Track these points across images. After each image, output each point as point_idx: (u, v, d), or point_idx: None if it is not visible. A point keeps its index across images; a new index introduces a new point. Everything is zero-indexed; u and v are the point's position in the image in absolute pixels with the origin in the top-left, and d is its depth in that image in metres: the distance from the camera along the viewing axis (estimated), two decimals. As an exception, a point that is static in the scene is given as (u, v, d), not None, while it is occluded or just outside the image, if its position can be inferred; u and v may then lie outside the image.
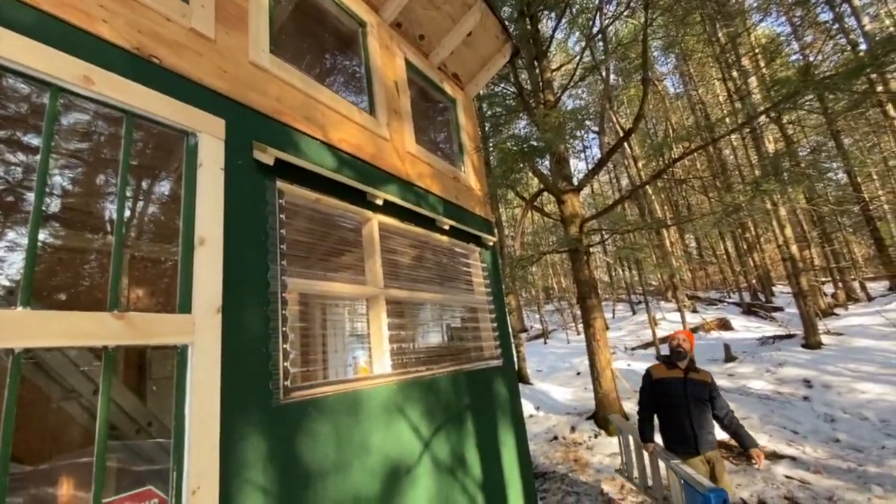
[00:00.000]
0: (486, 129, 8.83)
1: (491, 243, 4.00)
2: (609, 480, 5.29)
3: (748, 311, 13.28)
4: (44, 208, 1.62)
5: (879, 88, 9.49)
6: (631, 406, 7.10)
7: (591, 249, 7.15)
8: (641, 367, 9.96)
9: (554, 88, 7.96)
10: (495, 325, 3.76)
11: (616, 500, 4.80)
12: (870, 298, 12.38)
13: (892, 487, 4.14)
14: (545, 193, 7.46)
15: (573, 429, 7.07)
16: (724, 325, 11.85)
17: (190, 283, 1.63)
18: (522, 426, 3.79)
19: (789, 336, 9.93)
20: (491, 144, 7.32)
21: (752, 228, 13.70)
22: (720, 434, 4.16)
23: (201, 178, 1.77)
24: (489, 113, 8.82)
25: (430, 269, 3.22)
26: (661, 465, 3.42)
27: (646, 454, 3.60)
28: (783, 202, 9.21)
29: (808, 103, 4.79)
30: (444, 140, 4.31)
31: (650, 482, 3.63)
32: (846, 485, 4.32)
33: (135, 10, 1.74)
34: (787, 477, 4.53)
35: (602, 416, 6.81)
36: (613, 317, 18.43)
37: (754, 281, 15.63)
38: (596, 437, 6.64)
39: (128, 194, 2.27)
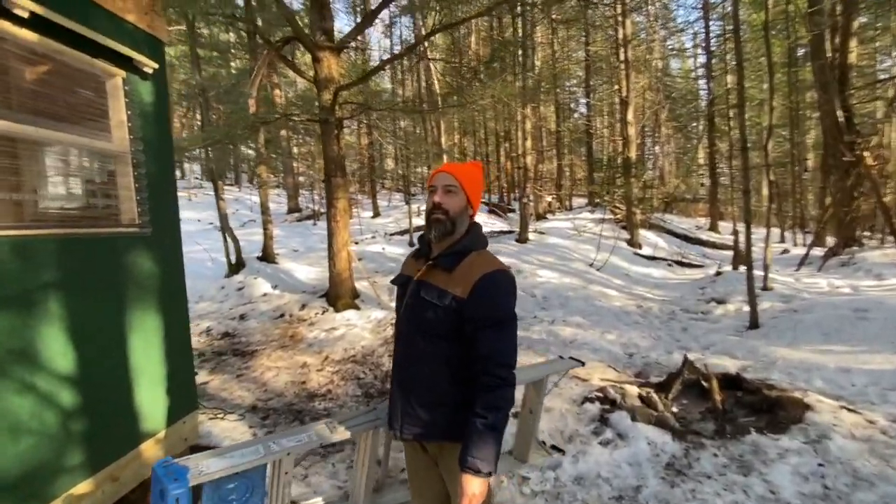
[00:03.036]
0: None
1: (150, 70, 2.88)
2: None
3: (491, 210, 15.57)
4: None
5: None
6: (362, 286, 7.41)
7: (343, 123, 6.53)
8: (395, 251, 10.60)
9: None
10: (140, 183, 2.85)
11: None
12: (571, 208, 16.11)
13: (525, 347, 5.42)
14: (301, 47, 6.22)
15: (303, 306, 7.03)
16: (469, 219, 13.59)
17: None
18: (179, 306, 3.21)
19: (510, 232, 12.06)
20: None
21: (516, 138, 15.23)
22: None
23: None
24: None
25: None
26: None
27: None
28: (531, 117, 10.37)
29: None
30: None
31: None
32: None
33: None
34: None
35: (333, 294, 6.91)
36: (388, 204, 19.13)
37: (505, 185, 18.28)
38: (323, 313, 6.75)
39: None
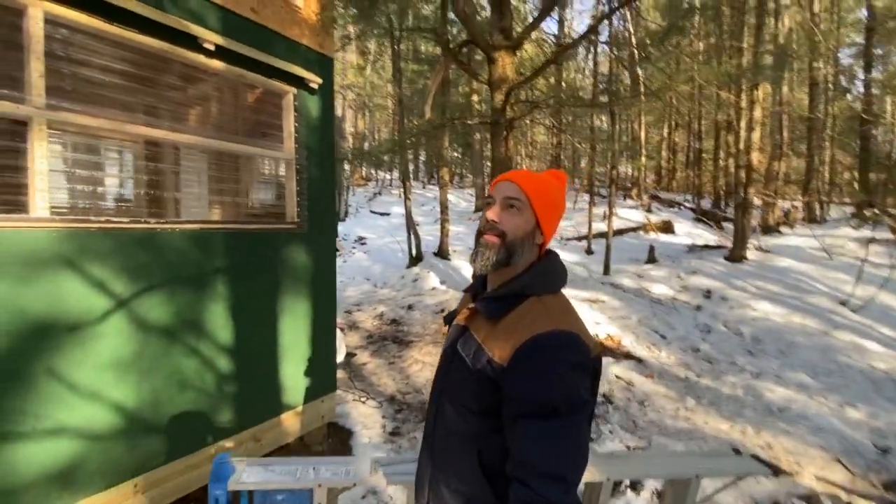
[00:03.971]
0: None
1: (316, 86, 3.23)
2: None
3: (698, 218, 12.93)
4: None
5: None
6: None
7: (514, 124, 6.29)
8: (567, 259, 9.90)
9: None
10: (302, 186, 3.22)
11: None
12: (822, 221, 12.01)
13: (706, 402, 4.21)
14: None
15: (463, 305, 7.12)
16: (667, 228, 11.57)
17: None
18: (328, 296, 3.54)
19: (719, 247, 9.74)
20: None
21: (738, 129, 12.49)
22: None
23: None
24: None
25: (178, 102, 2.54)
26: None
27: None
28: (761, 98, 8.09)
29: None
30: None
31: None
32: (667, 392, 4.40)
33: None
34: (617, 377, 4.60)
35: (491, 298, 6.79)
36: (574, 206, 18.09)
37: (723, 188, 14.98)
38: (479, 315, 6.70)
39: None
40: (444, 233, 9.43)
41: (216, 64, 2.62)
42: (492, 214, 1.08)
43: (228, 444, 2.79)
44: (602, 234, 9.61)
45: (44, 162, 1.97)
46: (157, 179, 2.67)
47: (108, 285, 2.20)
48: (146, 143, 3.24)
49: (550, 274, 1.12)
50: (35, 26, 1.93)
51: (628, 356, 5.20)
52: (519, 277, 1.09)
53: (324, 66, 3.39)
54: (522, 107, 6.13)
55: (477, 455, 1.05)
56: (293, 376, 3.25)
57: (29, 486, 1.93)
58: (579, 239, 11.63)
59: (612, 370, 4.70)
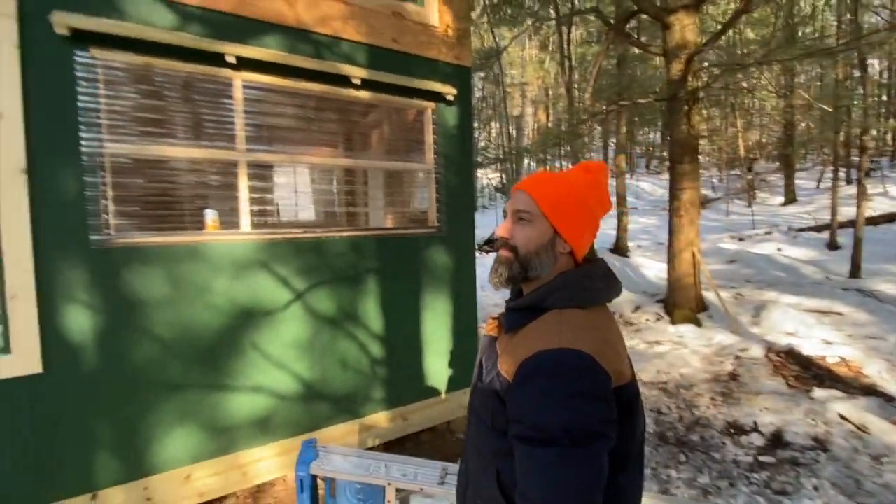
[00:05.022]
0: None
1: (452, 97, 3.44)
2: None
3: None
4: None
5: None
6: (714, 298, 5.90)
7: (698, 96, 5.28)
8: (796, 254, 7.79)
9: None
10: (441, 193, 3.48)
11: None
12: None
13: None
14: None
15: (637, 308, 6.45)
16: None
17: (-8, 149, 2.07)
18: (468, 295, 3.72)
19: None
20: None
21: None
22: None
23: (-8, 56, 2.05)
24: None
25: (336, 132, 3.08)
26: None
27: None
28: None
29: None
30: None
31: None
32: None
33: None
34: (842, 417, 3.42)
35: (670, 302, 5.95)
36: (818, 188, 13.89)
37: None
38: (656, 321, 5.96)
39: None
40: (621, 227, 8.62)
41: (363, 94, 3.07)
42: (501, 230, 1.04)
43: (380, 418, 3.26)
44: (850, 223, 7.17)
45: (246, 191, 2.69)
46: (319, 197, 3.30)
47: (289, 282, 2.85)
48: (311, 167, 4.02)
49: (576, 286, 0.99)
50: (238, 92, 2.66)
51: (869, 391, 3.80)
52: (539, 289, 1.00)
53: (461, 76, 3.57)
54: (711, 73, 5.08)
55: (496, 475, 1.02)
56: (436, 366, 3.56)
57: (240, 426, 2.69)
58: (819, 229, 8.93)
59: (836, 407, 3.53)
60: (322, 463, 1.78)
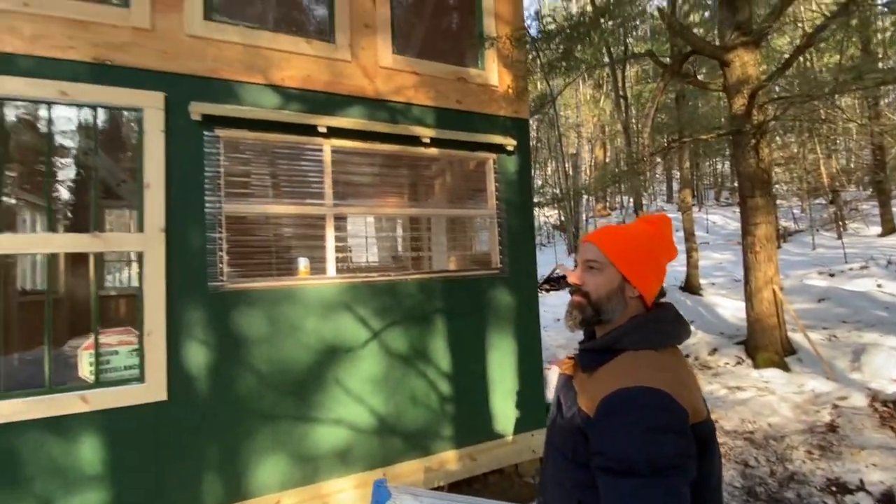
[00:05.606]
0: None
1: (512, 147, 3.68)
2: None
3: None
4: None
5: None
6: (800, 338, 5.42)
7: (766, 128, 5.12)
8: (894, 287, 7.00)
9: None
10: (503, 236, 3.66)
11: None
12: None
13: None
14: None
15: (714, 351, 6.07)
16: None
17: (142, 213, 2.57)
18: (532, 337, 3.78)
19: None
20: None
21: None
22: None
23: (146, 141, 2.59)
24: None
25: (406, 184, 3.41)
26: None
27: None
28: None
29: None
30: (456, 33, 3.92)
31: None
32: None
33: (89, 29, 2.54)
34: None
35: (751, 344, 5.55)
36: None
37: None
38: (736, 365, 5.56)
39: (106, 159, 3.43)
40: (691, 263, 8.23)
41: (432, 151, 3.40)
42: (573, 278, 1.16)
43: (448, 456, 3.34)
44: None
45: (332, 240, 3.05)
46: (386, 244, 3.60)
47: (367, 321, 3.12)
48: (386, 217, 4.38)
49: (649, 328, 1.10)
50: (327, 156, 3.07)
51: None
52: (612, 331, 1.11)
53: (519, 128, 3.82)
54: (775, 106, 4.95)
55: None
56: (503, 407, 3.60)
57: (323, 457, 2.90)
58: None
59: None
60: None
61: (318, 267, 3.07)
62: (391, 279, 3.23)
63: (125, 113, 2.70)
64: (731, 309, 7.36)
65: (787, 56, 5.28)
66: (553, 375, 4.51)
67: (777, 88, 5.67)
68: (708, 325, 6.91)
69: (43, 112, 2.52)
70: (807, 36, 4.26)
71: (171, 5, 2.71)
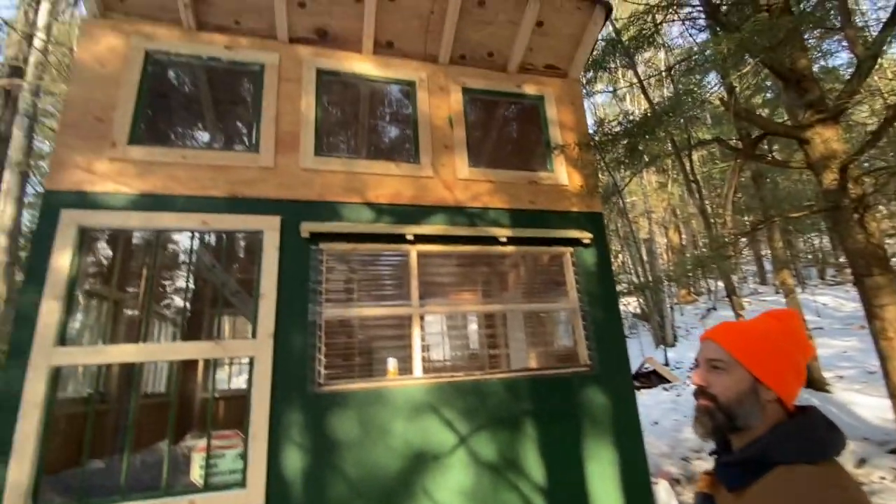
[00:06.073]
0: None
1: (588, 241, 3.72)
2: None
3: None
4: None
5: None
6: (984, 447, 4.31)
7: (869, 201, 4.72)
8: None
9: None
10: (589, 330, 3.54)
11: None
12: None
13: None
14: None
15: (861, 462, 5.00)
16: None
17: (256, 321, 2.88)
18: (634, 443, 3.40)
19: None
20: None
21: None
22: None
23: (264, 257, 3.01)
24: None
25: (483, 281, 3.52)
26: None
27: None
28: None
29: None
30: (525, 142, 4.26)
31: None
32: None
33: (227, 171, 3.15)
34: None
35: (913, 453, 4.51)
36: None
37: None
38: (894, 480, 4.50)
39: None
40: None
41: (509, 249, 3.54)
42: (697, 379, 1.07)
43: (550, 590, 2.91)
44: None
45: (419, 340, 3.14)
46: (462, 342, 3.61)
47: (453, 424, 3.04)
48: (465, 314, 4.45)
49: (801, 437, 0.96)
50: (413, 260, 3.31)
51: None
52: (757, 441, 0.99)
53: (594, 221, 3.89)
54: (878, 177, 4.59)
55: None
56: (608, 528, 3.16)
57: (412, 580, 2.67)
58: None
59: None
60: None
61: (403, 367, 3.14)
62: (476, 378, 3.19)
63: (248, 235, 3.18)
64: (872, 408, 6.14)
65: (871, 127, 5.03)
66: (662, 491, 3.93)
67: (867, 157, 5.32)
68: (848, 430, 5.75)
69: (185, 240, 3.06)
70: (892, 108, 4.08)
71: (290, 146, 3.31)
